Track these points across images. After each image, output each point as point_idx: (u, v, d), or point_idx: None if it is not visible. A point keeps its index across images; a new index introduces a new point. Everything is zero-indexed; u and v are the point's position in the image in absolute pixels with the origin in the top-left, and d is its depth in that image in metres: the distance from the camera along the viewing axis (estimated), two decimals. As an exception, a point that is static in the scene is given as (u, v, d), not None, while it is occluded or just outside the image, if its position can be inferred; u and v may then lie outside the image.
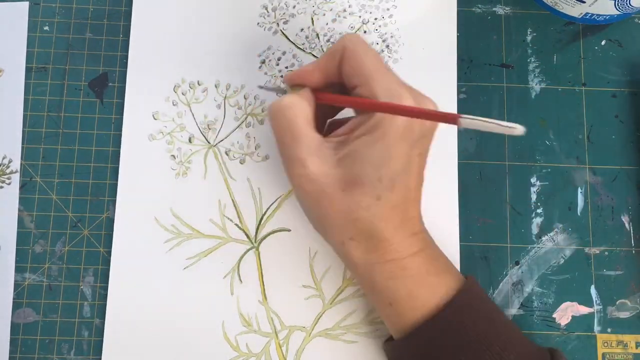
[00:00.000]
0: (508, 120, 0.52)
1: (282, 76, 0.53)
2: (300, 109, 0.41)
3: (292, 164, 0.41)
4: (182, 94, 0.52)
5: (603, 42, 0.54)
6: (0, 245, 0.50)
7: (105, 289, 0.49)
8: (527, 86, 0.53)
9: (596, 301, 0.50)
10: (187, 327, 0.49)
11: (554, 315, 0.50)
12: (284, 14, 0.54)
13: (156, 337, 0.48)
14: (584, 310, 0.50)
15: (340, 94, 0.44)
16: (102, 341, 0.48)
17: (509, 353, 0.39)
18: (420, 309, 0.41)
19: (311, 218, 0.43)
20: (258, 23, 0.54)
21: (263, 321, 0.49)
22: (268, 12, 0.54)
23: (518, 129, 0.33)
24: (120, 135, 0.51)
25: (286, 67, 0.53)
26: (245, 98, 0.52)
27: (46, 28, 0.53)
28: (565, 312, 0.50)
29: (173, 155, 0.51)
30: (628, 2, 0.49)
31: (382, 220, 0.40)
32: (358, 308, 0.49)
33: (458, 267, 0.50)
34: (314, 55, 0.53)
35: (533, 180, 0.52)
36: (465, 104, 0.53)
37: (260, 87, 0.52)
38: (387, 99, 0.39)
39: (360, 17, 0.54)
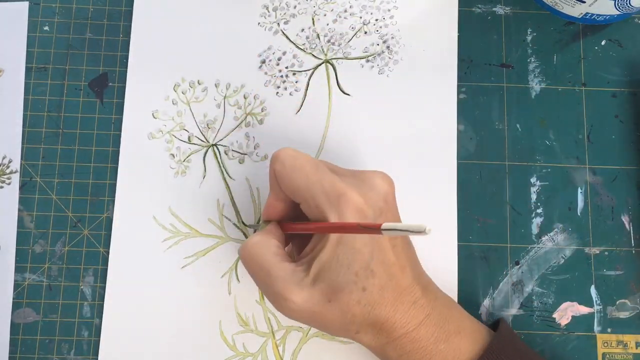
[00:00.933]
0: (508, 121, 0.52)
1: (282, 76, 0.53)
2: (266, 245, 0.42)
3: (275, 299, 0.41)
4: (182, 93, 0.52)
5: (603, 42, 0.54)
6: (0, 245, 0.50)
7: (105, 288, 0.49)
8: (527, 86, 0.53)
9: (596, 301, 0.50)
10: (184, 325, 0.49)
11: (554, 315, 0.50)
12: (284, 14, 0.54)
13: (153, 336, 0.48)
14: (584, 310, 0.50)
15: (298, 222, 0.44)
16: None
17: None
18: None
19: (316, 329, 0.46)
20: (259, 23, 0.54)
21: (260, 321, 0.49)
22: (269, 12, 0.54)
23: (426, 230, 0.33)
24: (120, 136, 0.51)
25: (286, 67, 0.53)
26: (245, 98, 0.52)
27: (46, 28, 0.53)
28: (565, 312, 0.50)
29: (172, 154, 0.51)
30: (628, 2, 0.49)
31: (377, 305, 0.40)
32: (357, 308, 0.49)
33: (456, 267, 0.50)
34: (314, 56, 0.53)
35: (533, 180, 0.52)
36: (465, 104, 0.53)
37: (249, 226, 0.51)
38: (331, 206, 0.40)
39: (360, 17, 0.54)
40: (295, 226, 0.44)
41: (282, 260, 0.41)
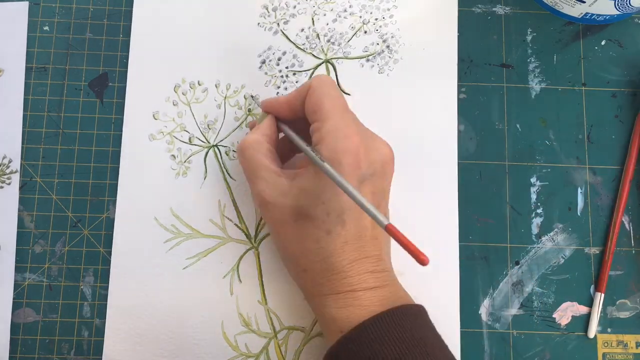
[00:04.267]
0: (508, 121, 0.52)
1: (282, 76, 0.53)
2: (258, 145, 0.44)
3: (255, 196, 0.44)
4: (183, 94, 0.52)
5: (603, 42, 0.54)
6: (0, 245, 0.50)
7: (105, 289, 0.49)
8: (527, 86, 0.53)
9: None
10: (187, 326, 0.49)
11: (554, 315, 0.50)
12: (284, 14, 0.54)
13: (156, 337, 0.48)
14: (584, 310, 0.50)
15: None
16: (102, 341, 0.48)
17: None
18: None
19: (276, 247, 0.47)
20: (258, 23, 0.54)
21: (262, 321, 0.49)
22: (268, 12, 0.54)
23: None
24: (120, 135, 0.51)
25: (286, 67, 0.53)
26: (245, 98, 0.52)
27: (46, 28, 0.53)
28: (565, 312, 0.50)
29: (173, 155, 0.51)
30: (628, 2, 0.49)
31: (334, 254, 0.41)
32: (358, 308, 0.49)
33: (457, 267, 0.50)
34: (314, 56, 0.53)
35: (533, 180, 0.52)
36: (465, 104, 0.53)
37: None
38: (333, 140, 0.41)
39: (360, 17, 0.54)
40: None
41: (271, 163, 0.44)
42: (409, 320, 0.40)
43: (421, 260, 0.34)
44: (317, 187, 0.41)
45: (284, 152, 0.48)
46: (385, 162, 0.43)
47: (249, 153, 0.44)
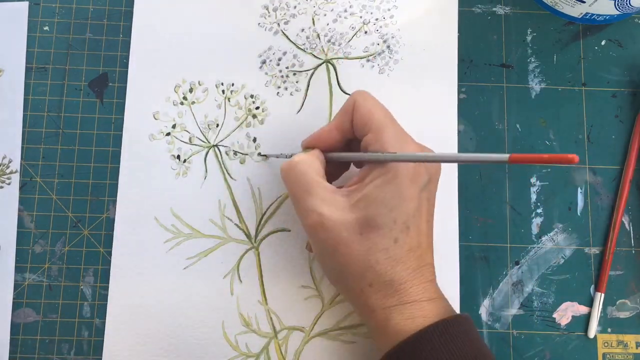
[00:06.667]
0: (508, 121, 0.52)
1: (282, 76, 0.53)
2: (310, 163, 0.43)
3: (307, 215, 0.42)
4: (183, 94, 0.52)
5: (603, 42, 0.54)
6: (0, 245, 0.50)
7: (105, 289, 0.49)
8: (527, 86, 0.53)
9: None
10: (187, 326, 0.49)
11: (554, 315, 0.50)
12: (284, 14, 0.54)
13: (156, 337, 0.49)
14: (584, 310, 0.50)
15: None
16: (102, 341, 0.48)
17: None
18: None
19: (329, 268, 0.43)
20: (259, 23, 0.54)
21: (262, 321, 0.49)
22: (269, 12, 0.54)
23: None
24: (120, 135, 0.51)
25: (287, 67, 0.53)
26: (245, 98, 0.52)
27: (46, 28, 0.53)
28: (565, 312, 0.50)
29: (173, 155, 0.51)
30: (628, 2, 0.49)
31: (400, 262, 0.40)
32: (358, 308, 0.50)
33: (458, 267, 0.50)
34: (314, 56, 0.53)
35: (533, 180, 0.52)
36: (466, 104, 0.53)
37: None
38: (396, 145, 0.41)
39: (361, 17, 0.54)
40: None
41: (324, 180, 0.43)
42: (471, 332, 0.40)
43: (570, 159, 0.32)
44: (384, 196, 0.40)
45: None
46: (437, 168, 0.43)
47: (301, 169, 0.43)
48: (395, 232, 0.40)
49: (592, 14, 0.53)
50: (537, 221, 0.51)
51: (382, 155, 0.41)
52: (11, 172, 0.51)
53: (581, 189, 0.52)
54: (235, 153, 0.51)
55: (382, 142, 0.42)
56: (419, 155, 0.41)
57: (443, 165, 0.51)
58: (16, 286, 0.49)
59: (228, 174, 0.51)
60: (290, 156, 0.48)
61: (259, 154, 0.52)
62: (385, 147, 0.41)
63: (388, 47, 0.54)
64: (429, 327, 0.39)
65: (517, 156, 0.34)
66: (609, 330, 0.50)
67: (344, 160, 0.46)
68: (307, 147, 0.46)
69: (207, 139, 0.52)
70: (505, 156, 0.34)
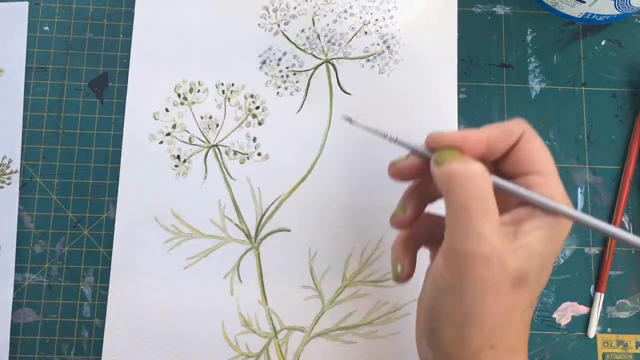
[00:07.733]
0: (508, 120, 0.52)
1: (282, 76, 0.53)
2: (489, 180, 0.35)
3: (478, 242, 0.33)
4: (183, 94, 0.52)
5: (603, 42, 0.54)
6: (0, 245, 0.50)
7: (105, 289, 0.49)
8: (527, 86, 0.53)
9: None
10: (187, 326, 0.49)
11: (554, 315, 0.50)
12: (284, 14, 0.54)
13: (156, 337, 0.49)
14: (584, 310, 0.50)
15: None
16: (102, 341, 0.48)
17: None
18: None
19: (451, 312, 0.35)
20: (259, 24, 0.54)
21: (263, 321, 0.49)
22: (269, 13, 0.54)
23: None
24: (120, 135, 0.51)
25: (287, 68, 0.53)
26: (245, 98, 0.52)
27: (46, 28, 0.53)
28: (565, 312, 0.50)
29: (173, 155, 0.51)
30: (628, 2, 0.49)
31: (527, 329, 0.36)
32: (357, 309, 0.49)
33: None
34: (314, 56, 0.53)
35: (533, 180, 0.52)
36: (466, 104, 0.53)
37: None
38: (565, 199, 0.36)
39: (361, 18, 0.54)
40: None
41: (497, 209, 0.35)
42: None
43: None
44: (544, 253, 0.35)
45: None
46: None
47: (483, 184, 0.34)
48: (536, 294, 0.35)
49: (592, 14, 0.53)
50: (537, 221, 0.51)
51: (570, 211, 0.35)
52: (11, 172, 0.51)
53: (581, 189, 0.52)
54: (235, 153, 0.51)
55: (551, 190, 0.36)
56: (600, 224, 0.36)
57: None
58: (16, 286, 0.49)
59: (228, 174, 0.51)
60: (395, 139, 0.41)
61: (350, 120, 0.44)
62: (555, 197, 0.36)
63: (388, 47, 0.54)
64: None
65: None
66: (609, 330, 0.50)
67: (508, 190, 0.37)
68: (450, 144, 0.37)
69: (207, 139, 0.52)
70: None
